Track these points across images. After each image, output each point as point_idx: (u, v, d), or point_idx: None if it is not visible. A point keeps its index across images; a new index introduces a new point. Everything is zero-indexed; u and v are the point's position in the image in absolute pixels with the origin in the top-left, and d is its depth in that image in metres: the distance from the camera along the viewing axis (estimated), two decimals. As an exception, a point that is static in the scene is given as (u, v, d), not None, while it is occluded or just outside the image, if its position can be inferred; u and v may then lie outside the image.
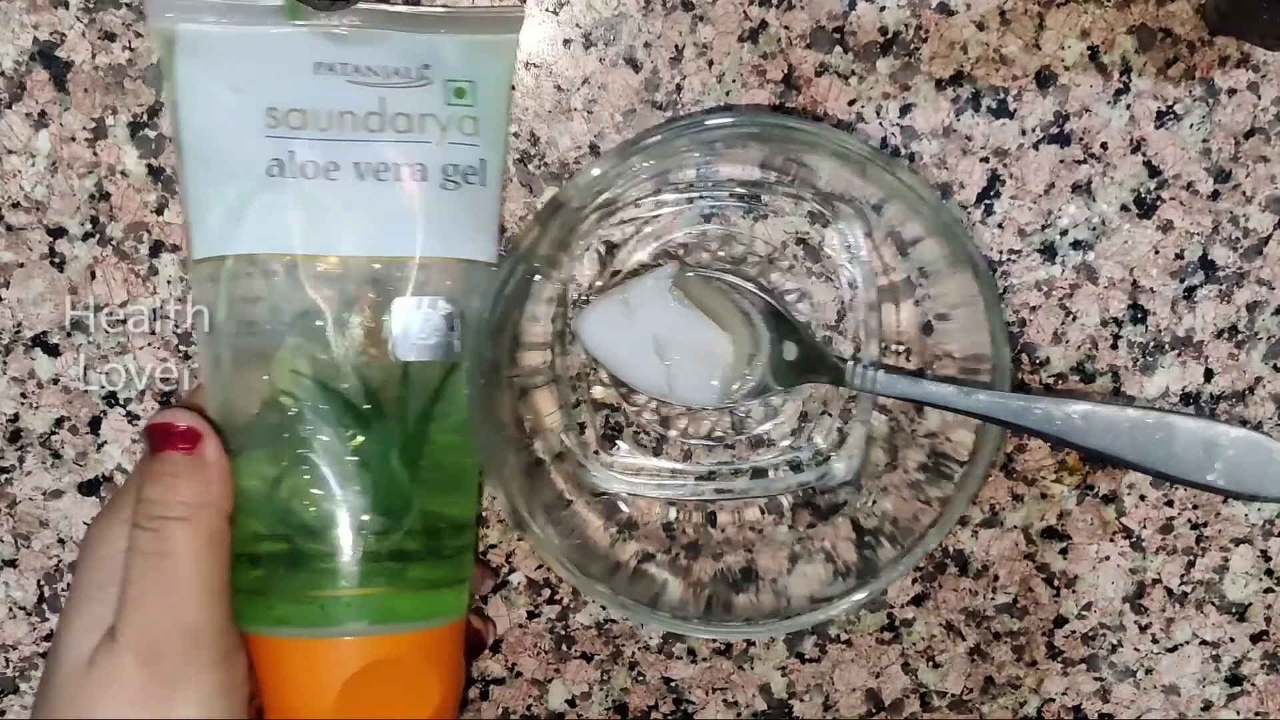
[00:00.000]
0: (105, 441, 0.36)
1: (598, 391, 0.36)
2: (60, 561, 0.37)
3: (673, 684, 0.39)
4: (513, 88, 0.34)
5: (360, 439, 0.31)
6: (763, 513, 0.37)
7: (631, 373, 0.34)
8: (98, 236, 0.34)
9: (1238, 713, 0.40)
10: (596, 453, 0.36)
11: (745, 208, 0.35)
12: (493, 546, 0.37)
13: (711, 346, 0.33)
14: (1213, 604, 0.39)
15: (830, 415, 0.37)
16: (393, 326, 0.31)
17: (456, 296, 0.32)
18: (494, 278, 0.31)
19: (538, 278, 0.34)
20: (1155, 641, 0.39)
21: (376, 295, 0.31)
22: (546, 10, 0.34)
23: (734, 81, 0.34)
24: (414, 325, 0.31)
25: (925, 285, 0.34)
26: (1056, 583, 0.39)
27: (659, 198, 0.35)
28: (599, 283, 0.35)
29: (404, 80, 0.31)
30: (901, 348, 0.36)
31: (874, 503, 0.36)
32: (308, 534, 0.30)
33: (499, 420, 0.33)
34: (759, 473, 0.37)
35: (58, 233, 0.34)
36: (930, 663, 0.39)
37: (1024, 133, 0.35)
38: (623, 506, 0.37)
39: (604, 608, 0.38)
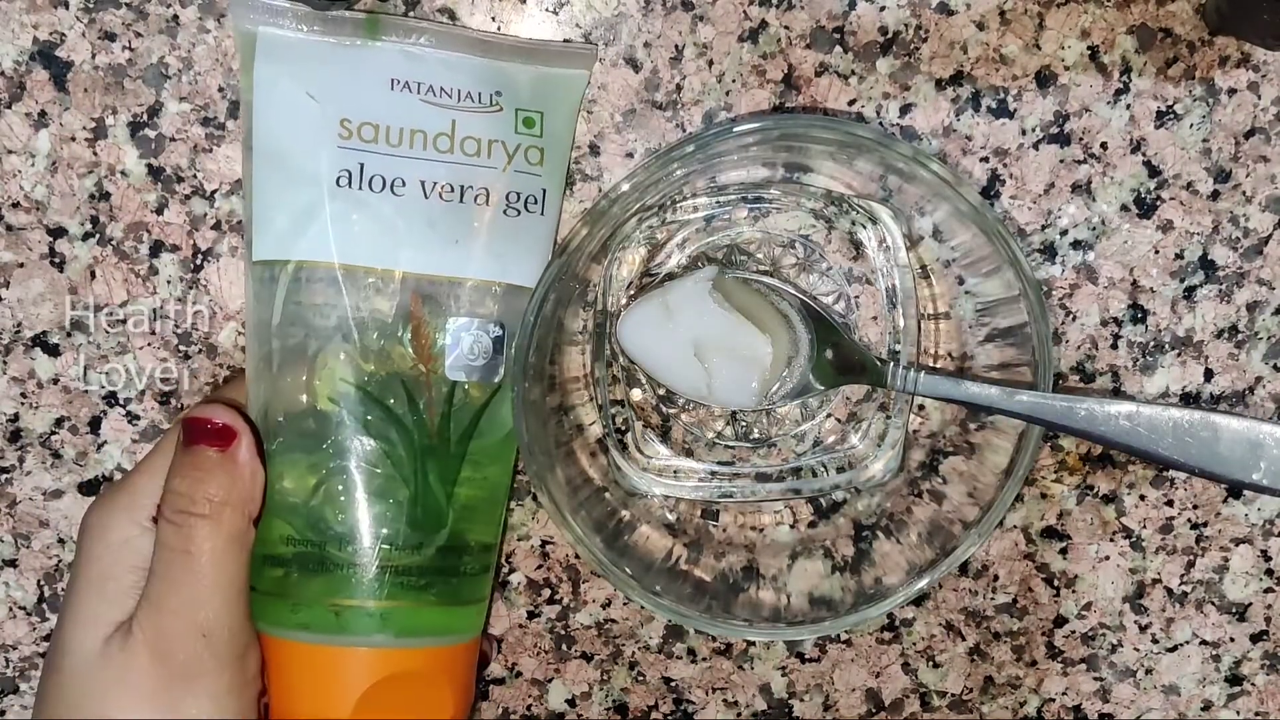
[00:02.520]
0: (105, 441, 0.36)
1: (636, 394, 0.36)
2: (60, 561, 0.37)
3: (673, 684, 0.39)
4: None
5: (402, 454, 0.31)
6: (793, 513, 0.37)
7: (671, 375, 0.34)
8: (98, 236, 0.34)
9: (1238, 713, 0.40)
10: (634, 454, 0.36)
11: (783, 210, 0.35)
12: (493, 546, 0.38)
13: (751, 348, 0.33)
14: (1213, 604, 0.39)
15: (867, 417, 0.37)
16: (446, 346, 0.31)
17: (506, 320, 0.32)
18: (535, 284, 0.31)
19: (576, 285, 0.34)
20: (1155, 641, 0.39)
21: (430, 313, 0.31)
22: (546, 10, 0.34)
23: (734, 81, 0.34)
24: (466, 346, 0.31)
25: (966, 286, 0.34)
26: (1056, 583, 0.39)
27: (696, 201, 0.35)
28: (638, 285, 0.35)
29: (476, 105, 0.32)
30: (940, 349, 0.36)
31: (918, 507, 0.36)
32: (339, 542, 0.30)
33: (541, 420, 0.33)
34: (797, 473, 0.37)
35: (58, 233, 0.34)
36: (930, 663, 0.39)
37: (1024, 133, 0.35)
38: (659, 507, 0.37)
39: (627, 604, 0.38)
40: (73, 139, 0.34)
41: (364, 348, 0.31)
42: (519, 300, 0.32)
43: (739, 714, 0.39)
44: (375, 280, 0.31)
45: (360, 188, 0.31)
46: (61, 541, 0.37)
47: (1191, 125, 0.35)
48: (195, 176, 0.34)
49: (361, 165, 0.31)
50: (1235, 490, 0.38)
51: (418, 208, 0.31)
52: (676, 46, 0.34)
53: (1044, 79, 0.35)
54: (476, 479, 0.32)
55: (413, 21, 0.32)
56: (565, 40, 0.34)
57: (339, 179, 0.31)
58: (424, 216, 0.31)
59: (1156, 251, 0.36)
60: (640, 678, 0.39)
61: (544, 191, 0.32)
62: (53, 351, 0.35)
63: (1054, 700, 0.40)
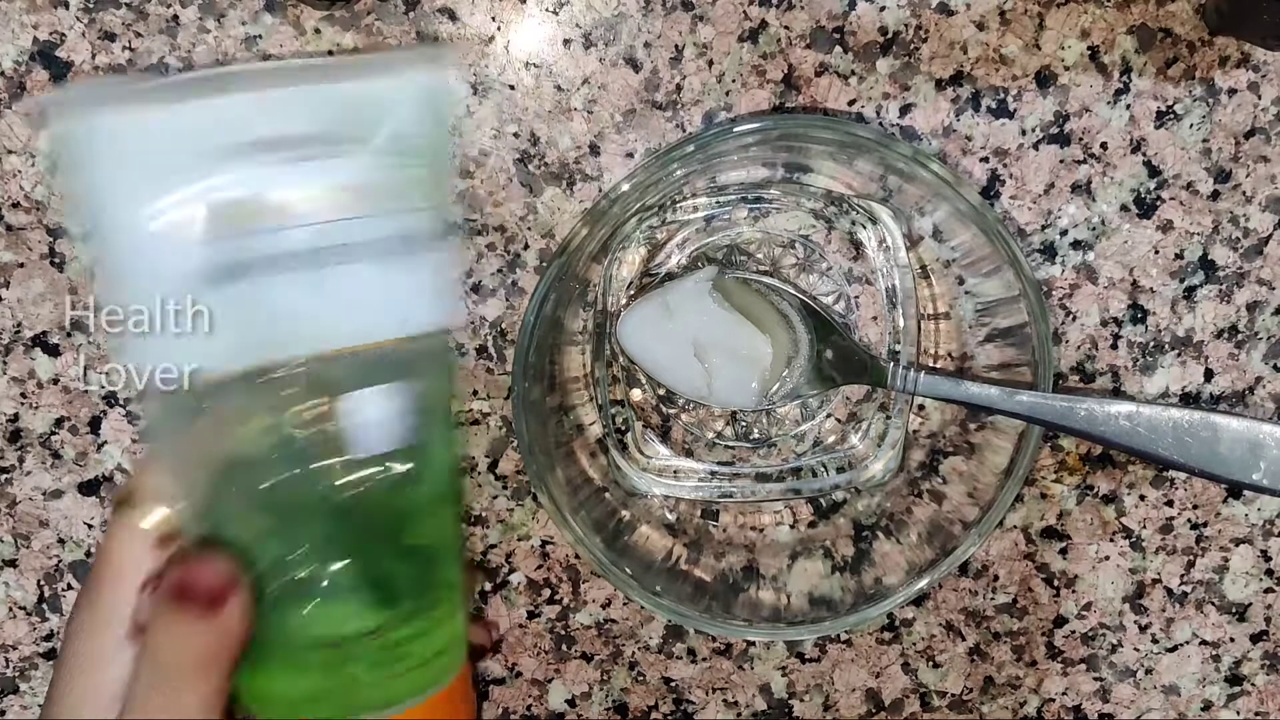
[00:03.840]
0: (105, 441, 0.36)
1: (636, 394, 0.36)
2: (60, 561, 0.37)
3: (673, 684, 0.39)
4: (453, 128, 0.33)
5: (339, 548, 0.29)
6: (793, 513, 0.37)
7: (671, 375, 0.34)
8: (98, 236, 0.34)
9: (1238, 713, 0.40)
10: (634, 454, 0.36)
11: (783, 210, 0.35)
12: (493, 546, 0.37)
13: (751, 349, 0.34)
14: (1213, 604, 0.39)
15: (867, 417, 0.37)
16: (354, 424, 0.29)
17: (416, 373, 0.30)
18: (536, 284, 0.31)
19: (576, 285, 0.34)
20: (1155, 641, 0.39)
21: (333, 393, 0.29)
22: (546, 10, 0.34)
23: (734, 81, 0.34)
24: (373, 417, 0.29)
25: (966, 286, 0.34)
26: (1056, 583, 0.39)
27: (696, 201, 0.35)
28: (638, 285, 0.35)
29: (343, 147, 0.29)
30: (940, 349, 0.36)
31: (917, 506, 0.36)
32: (316, 644, 0.30)
33: (541, 420, 0.33)
34: (797, 473, 0.37)
35: (58, 233, 0.34)
36: (930, 663, 0.39)
37: (1024, 133, 0.35)
38: (659, 507, 0.37)
39: (627, 604, 0.38)
40: (73, 139, 0.34)
41: (283, 460, 0.29)
42: (425, 347, 0.30)
43: (739, 714, 0.39)
44: (276, 375, 0.28)
45: (239, 279, 0.28)
46: (61, 541, 0.37)
47: (1191, 125, 0.35)
48: (195, 176, 0.34)
49: (234, 256, 0.28)
50: (1235, 490, 0.38)
51: (303, 284, 0.28)
52: (676, 46, 0.34)
53: (1044, 79, 0.35)
54: (424, 532, 0.31)
55: (244, 67, 0.30)
56: (425, 39, 0.33)
57: (213, 279, 0.28)
58: (311, 290, 0.28)
59: (1156, 251, 0.36)
60: (640, 678, 0.39)
61: (434, 222, 0.30)
62: (53, 351, 0.35)
63: (1054, 700, 0.40)
